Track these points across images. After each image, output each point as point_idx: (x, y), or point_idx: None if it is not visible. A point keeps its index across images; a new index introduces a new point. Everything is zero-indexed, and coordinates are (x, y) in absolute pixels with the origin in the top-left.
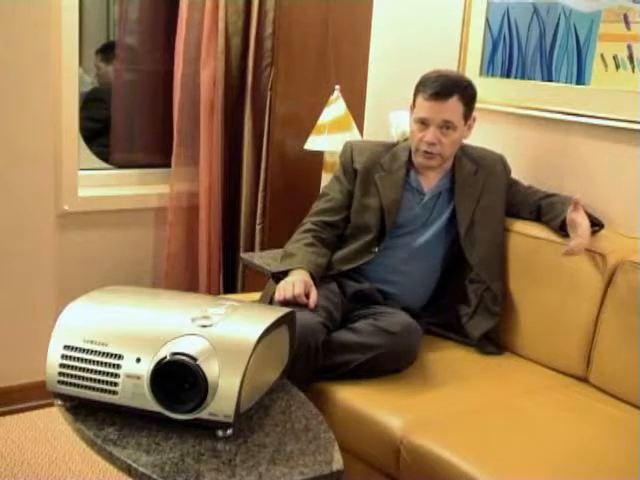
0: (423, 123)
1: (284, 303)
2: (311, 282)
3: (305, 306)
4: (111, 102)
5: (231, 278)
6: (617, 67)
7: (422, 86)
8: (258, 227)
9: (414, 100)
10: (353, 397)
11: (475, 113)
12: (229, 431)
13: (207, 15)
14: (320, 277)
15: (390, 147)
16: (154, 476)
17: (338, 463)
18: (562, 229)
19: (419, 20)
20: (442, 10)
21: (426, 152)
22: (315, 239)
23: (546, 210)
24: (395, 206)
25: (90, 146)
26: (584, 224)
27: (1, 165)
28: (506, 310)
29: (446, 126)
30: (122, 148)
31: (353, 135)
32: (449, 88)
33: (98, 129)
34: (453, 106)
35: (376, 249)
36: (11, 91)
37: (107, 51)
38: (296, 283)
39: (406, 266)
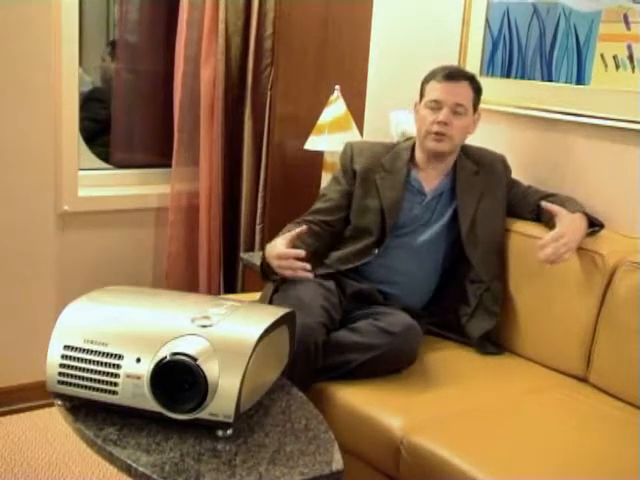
0: (434, 107)
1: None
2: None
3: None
4: (111, 102)
5: (231, 278)
6: (617, 67)
7: (432, 75)
8: (258, 227)
9: (422, 90)
10: (353, 397)
11: (480, 110)
12: (229, 431)
13: (207, 15)
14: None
15: (391, 147)
16: (154, 476)
17: (338, 463)
18: None
19: (419, 20)
20: (442, 10)
21: (437, 134)
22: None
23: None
24: (396, 206)
25: (90, 146)
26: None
27: (1, 165)
28: (506, 310)
29: (458, 111)
30: (122, 148)
31: (353, 135)
32: (460, 73)
33: (98, 129)
34: (465, 90)
35: (376, 250)
36: (11, 91)
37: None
38: (276, 248)
39: (407, 267)
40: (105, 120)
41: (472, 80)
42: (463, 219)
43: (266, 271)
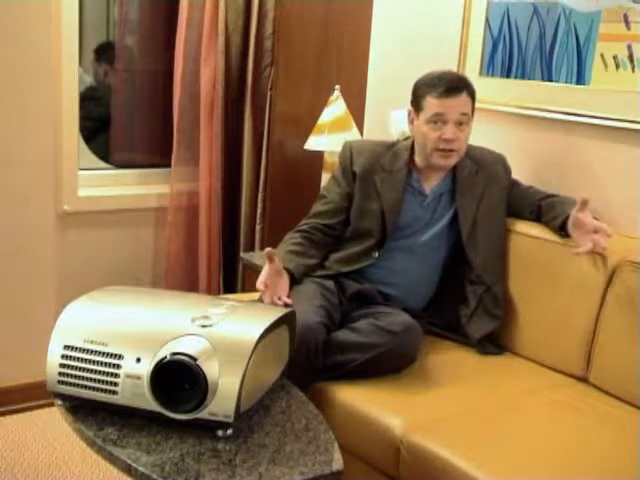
0: (438, 122)
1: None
2: (276, 267)
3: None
4: (111, 102)
5: (231, 278)
6: (617, 67)
7: (428, 87)
8: (258, 227)
9: (418, 102)
10: (353, 397)
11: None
12: (229, 431)
13: (207, 15)
14: (305, 276)
15: (391, 146)
16: (154, 476)
17: (338, 463)
18: (562, 229)
19: (419, 20)
20: (442, 10)
21: (445, 150)
22: (304, 239)
23: (546, 210)
24: (396, 208)
25: (88, 145)
26: (591, 222)
27: (1, 165)
28: (506, 310)
29: (461, 121)
30: (122, 148)
31: (353, 135)
32: (459, 84)
33: (95, 128)
34: (465, 100)
35: (376, 254)
36: (11, 91)
37: (101, 52)
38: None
39: (407, 268)
40: (101, 118)
41: (468, 87)
42: (464, 222)
43: None
